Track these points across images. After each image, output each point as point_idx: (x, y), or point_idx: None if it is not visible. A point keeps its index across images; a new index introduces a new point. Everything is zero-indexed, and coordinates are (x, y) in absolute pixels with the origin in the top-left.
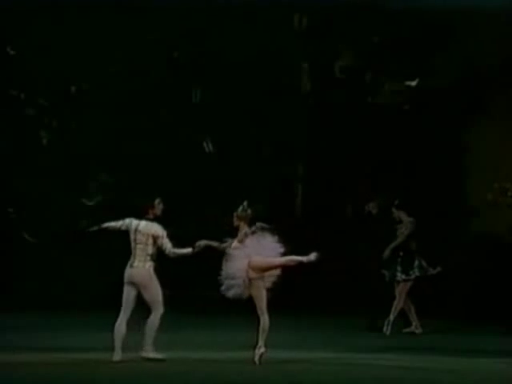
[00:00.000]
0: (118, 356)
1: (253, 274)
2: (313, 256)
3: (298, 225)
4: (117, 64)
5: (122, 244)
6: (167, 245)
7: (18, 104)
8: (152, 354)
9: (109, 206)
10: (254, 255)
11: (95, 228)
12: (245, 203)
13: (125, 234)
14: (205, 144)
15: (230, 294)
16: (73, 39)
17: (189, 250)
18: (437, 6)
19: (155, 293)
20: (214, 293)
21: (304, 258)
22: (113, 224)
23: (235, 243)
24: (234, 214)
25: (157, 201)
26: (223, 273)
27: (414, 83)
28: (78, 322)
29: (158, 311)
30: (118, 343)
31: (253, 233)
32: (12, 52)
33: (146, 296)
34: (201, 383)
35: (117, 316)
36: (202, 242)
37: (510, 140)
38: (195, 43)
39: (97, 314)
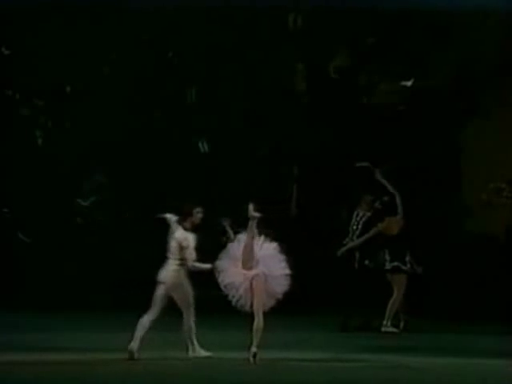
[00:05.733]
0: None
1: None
2: None
3: (292, 225)
4: (111, 64)
5: (123, 245)
6: (190, 256)
7: (13, 104)
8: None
9: (104, 205)
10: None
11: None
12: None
13: (125, 235)
14: (200, 144)
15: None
16: (67, 39)
17: (207, 266)
18: (432, 7)
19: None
20: (211, 292)
21: None
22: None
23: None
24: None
25: (196, 210)
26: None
27: (409, 84)
28: (77, 322)
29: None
30: None
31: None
32: (6, 52)
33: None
34: (197, 383)
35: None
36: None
37: (505, 140)
38: (190, 43)
39: (96, 314)
